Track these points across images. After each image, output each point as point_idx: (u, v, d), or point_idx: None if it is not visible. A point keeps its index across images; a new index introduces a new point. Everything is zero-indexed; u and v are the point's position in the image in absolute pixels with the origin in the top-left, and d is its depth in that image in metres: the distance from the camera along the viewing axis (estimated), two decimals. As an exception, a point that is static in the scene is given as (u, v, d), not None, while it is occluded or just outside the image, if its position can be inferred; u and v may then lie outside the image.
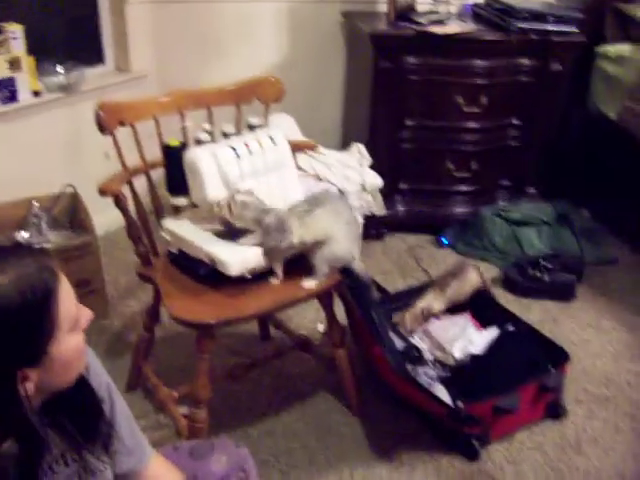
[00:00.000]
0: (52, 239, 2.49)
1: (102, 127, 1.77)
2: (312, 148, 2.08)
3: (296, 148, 2.00)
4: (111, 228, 3.05)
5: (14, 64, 2.60)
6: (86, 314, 1.05)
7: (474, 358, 2.20)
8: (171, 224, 1.85)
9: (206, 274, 1.76)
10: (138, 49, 3.16)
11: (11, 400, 0.94)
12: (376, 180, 2.94)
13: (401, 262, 3.07)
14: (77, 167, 2.93)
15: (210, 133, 1.84)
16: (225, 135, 1.81)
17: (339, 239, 1.76)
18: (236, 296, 1.75)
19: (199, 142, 1.78)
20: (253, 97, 2.03)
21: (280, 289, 1.79)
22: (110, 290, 2.72)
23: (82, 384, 1.09)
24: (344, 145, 3.25)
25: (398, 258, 3.11)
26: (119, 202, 1.78)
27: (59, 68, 2.84)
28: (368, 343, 2.16)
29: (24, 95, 2.68)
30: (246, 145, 1.73)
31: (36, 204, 2.49)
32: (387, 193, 3.04)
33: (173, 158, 1.77)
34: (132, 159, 1.90)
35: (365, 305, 1.95)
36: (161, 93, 2.00)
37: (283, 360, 2.33)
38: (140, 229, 1.89)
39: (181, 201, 1.83)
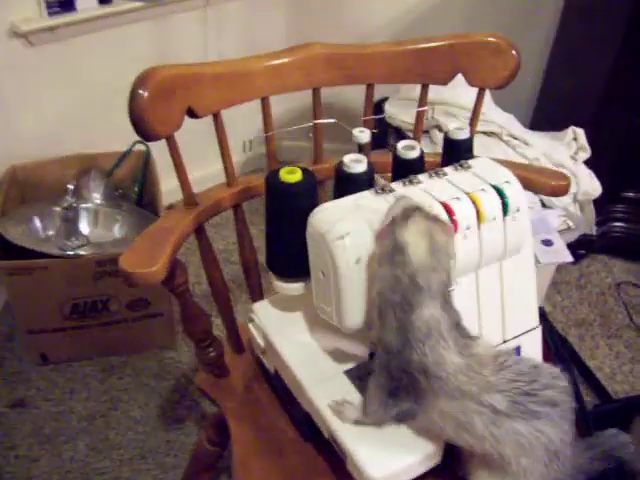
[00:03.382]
0: (96, 237, 1.66)
1: (144, 124, 0.84)
2: (563, 193, 1.06)
3: (537, 186, 1.02)
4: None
5: (71, -47, 1.70)
6: None
7: None
8: (267, 318, 0.95)
9: (318, 448, 0.87)
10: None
11: None
12: (593, 187, 1.91)
13: (603, 306, 2.06)
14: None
15: (365, 152, 0.89)
16: (401, 163, 0.84)
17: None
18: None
19: (344, 175, 0.83)
20: (456, 71, 1.04)
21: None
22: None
23: None
24: (534, 126, 2.14)
25: (599, 298, 2.09)
26: (171, 283, 0.88)
27: (144, -38, 1.91)
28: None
29: (86, 2, 1.78)
30: (448, 209, 0.76)
31: (70, 186, 1.63)
32: (601, 200, 1.99)
33: (286, 206, 0.84)
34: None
35: None
36: (289, 43, 1.04)
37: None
38: (208, 321, 0.99)
39: (293, 289, 0.90)
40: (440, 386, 0.72)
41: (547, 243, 1.72)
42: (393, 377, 0.73)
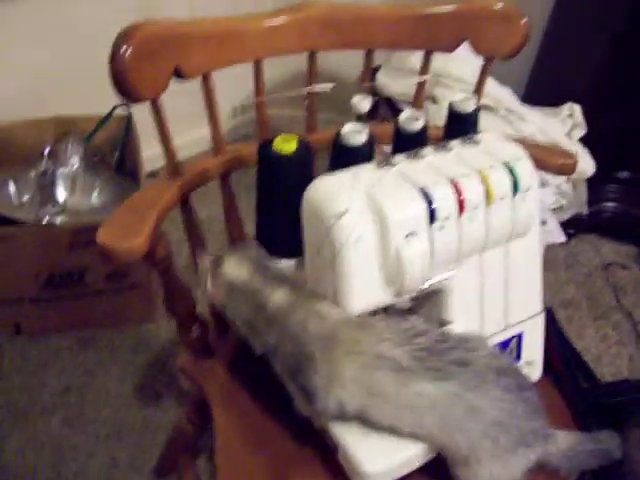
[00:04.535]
0: (73, 204, 1.58)
1: (127, 84, 0.77)
2: (570, 172, 1.01)
3: (543, 164, 0.96)
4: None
5: None
6: None
7: None
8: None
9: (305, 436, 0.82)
10: None
11: None
12: (587, 165, 1.87)
13: (591, 288, 2.03)
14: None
15: (365, 120, 0.82)
16: (404, 139, 0.78)
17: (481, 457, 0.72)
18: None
19: (343, 147, 0.77)
20: (463, 39, 0.98)
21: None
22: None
23: None
24: (526, 100, 2.07)
25: (587, 279, 2.06)
26: (153, 258, 0.82)
27: None
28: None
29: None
30: (456, 187, 0.71)
31: (46, 150, 1.55)
32: (594, 179, 1.95)
33: (279, 177, 0.78)
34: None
35: None
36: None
37: None
38: (193, 299, 0.93)
39: (284, 267, 0.84)
40: (329, 343, 0.71)
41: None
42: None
